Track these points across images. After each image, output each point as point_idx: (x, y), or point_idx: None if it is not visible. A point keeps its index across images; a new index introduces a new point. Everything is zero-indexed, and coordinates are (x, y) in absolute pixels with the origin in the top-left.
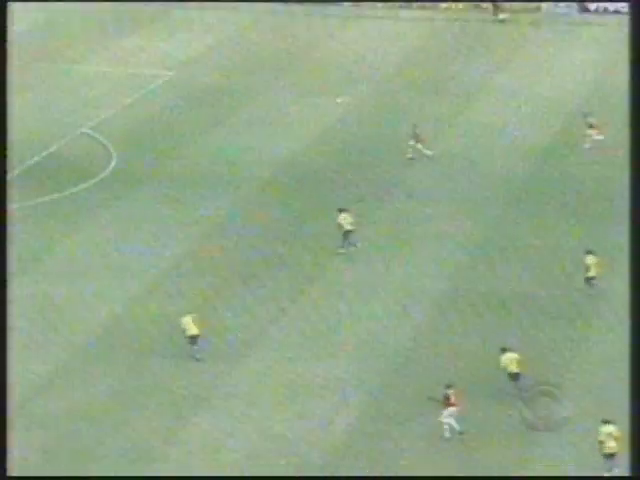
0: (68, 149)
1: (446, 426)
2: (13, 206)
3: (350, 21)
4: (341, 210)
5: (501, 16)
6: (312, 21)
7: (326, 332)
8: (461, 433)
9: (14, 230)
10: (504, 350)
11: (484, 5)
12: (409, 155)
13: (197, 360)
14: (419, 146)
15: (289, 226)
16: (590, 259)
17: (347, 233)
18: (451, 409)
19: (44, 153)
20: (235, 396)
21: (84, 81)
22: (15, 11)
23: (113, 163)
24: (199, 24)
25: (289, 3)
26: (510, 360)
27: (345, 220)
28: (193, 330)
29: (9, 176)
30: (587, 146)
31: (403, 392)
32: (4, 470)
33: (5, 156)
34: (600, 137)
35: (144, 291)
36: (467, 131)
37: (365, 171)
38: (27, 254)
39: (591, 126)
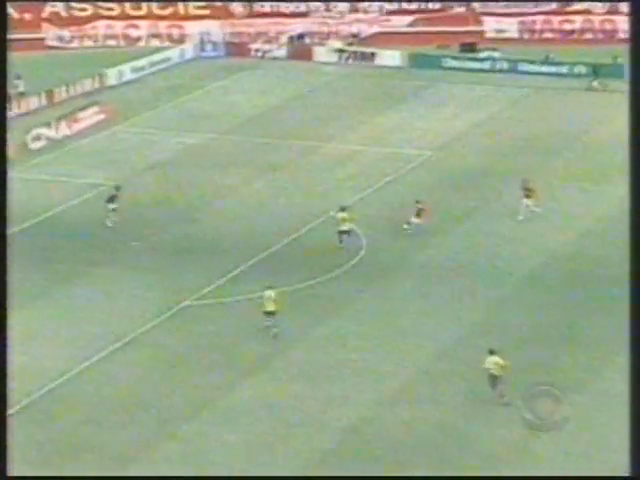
0: (315, 234)
1: None
2: (250, 296)
3: None
4: (342, 208)
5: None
6: (588, 99)
7: (599, 443)
8: None
9: (251, 323)
10: (491, 352)
11: None
12: None
13: (274, 336)
14: None
15: (554, 328)
16: None
17: (341, 233)
18: None
19: (289, 239)
20: None
21: (335, 160)
22: (268, 83)
23: (362, 250)
24: (460, 100)
25: (562, 77)
26: (494, 363)
27: (342, 219)
28: (270, 307)
29: (250, 263)
30: (520, 218)
31: None
32: (4, 470)
33: (5, 155)
34: None
35: (392, 394)
36: None
37: None
38: (266, 349)
39: (528, 192)
